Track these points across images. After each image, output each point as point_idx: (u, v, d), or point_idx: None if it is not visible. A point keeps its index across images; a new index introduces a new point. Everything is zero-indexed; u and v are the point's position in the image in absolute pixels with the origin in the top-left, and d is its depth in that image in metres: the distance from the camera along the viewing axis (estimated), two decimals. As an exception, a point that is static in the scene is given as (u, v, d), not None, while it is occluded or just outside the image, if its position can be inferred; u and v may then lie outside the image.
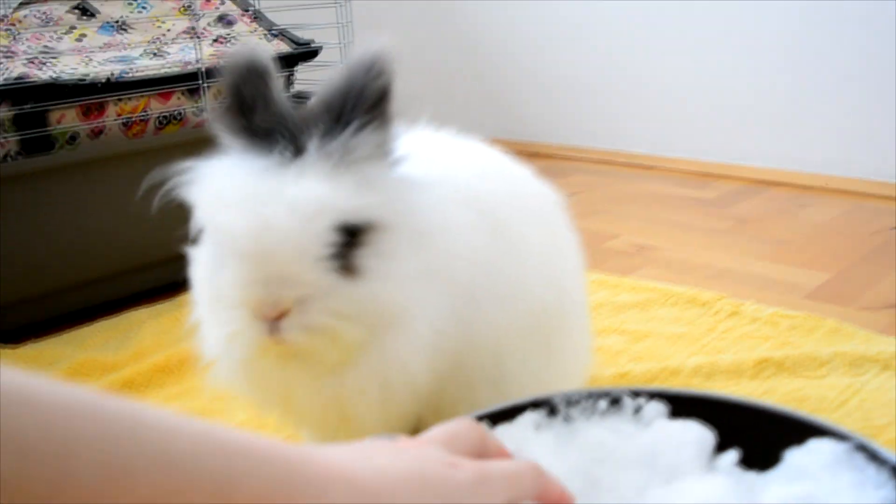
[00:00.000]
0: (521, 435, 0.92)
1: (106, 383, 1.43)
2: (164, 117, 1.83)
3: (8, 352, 1.56)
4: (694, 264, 1.93)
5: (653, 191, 2.62)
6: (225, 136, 0.90)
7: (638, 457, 0.87)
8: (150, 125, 1.81)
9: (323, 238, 0.84)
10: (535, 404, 0.96)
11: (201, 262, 0.94)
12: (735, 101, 2.73)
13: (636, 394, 0.96)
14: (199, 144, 1.82)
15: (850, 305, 1.67)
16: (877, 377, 1.32)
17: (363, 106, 0.87)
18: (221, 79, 0.91)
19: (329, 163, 0.85)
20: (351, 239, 0.87)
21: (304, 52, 2.05)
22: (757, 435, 0.88)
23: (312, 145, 0.86)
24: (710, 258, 1.97)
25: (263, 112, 0.87)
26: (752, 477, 0.84)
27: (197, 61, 1.84)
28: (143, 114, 1.79)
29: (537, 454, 0.87)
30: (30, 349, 1.58)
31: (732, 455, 0.86)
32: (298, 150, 0.86)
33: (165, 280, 1.88)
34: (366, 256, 0.88)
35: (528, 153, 3.31)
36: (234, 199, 0.85)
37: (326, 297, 0.86)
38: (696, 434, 0.89)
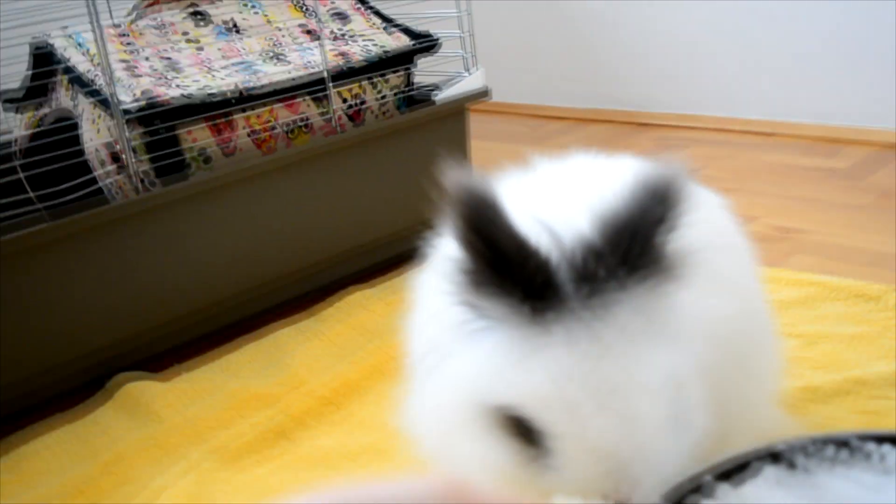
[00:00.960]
0: (765, 493, 0.86)
1: (269, 417, 1.41)
2: (292, 127, 1.78)
3: (158, 385, 1.55)
4: (848, 249, 1.83)
5: (777, 161, 2.50)
6: (480, 303, 0.75)
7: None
8: (280, 136, 1.77)
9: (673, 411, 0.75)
10: (763, 456, 0.90)
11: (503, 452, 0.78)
12: (860, 60, 2.57)
13: (880, 439, 0.89)
14: (333, 154, 1.81)
15: None
16: None
17: (655, 243, 0.74)
18: (449, 229, 0.74)
19: (643, 320, 0.74)
20: None
21: (424, 46, 1.98)
22: None
23: (616, 300, 0.73)
24: (863, 241, 1.86)
25: (521, 261, 0.72)
26: None
27: (322, 64, 1.78)
28: (271, 125, 1.75)
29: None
30: (180, 382, 1.57)
31: None
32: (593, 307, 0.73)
33: (300, 291, 1.86)
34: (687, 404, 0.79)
35: (636, 124, 3.22)
36: (583, 398, 0.71)
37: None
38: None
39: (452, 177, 0.73)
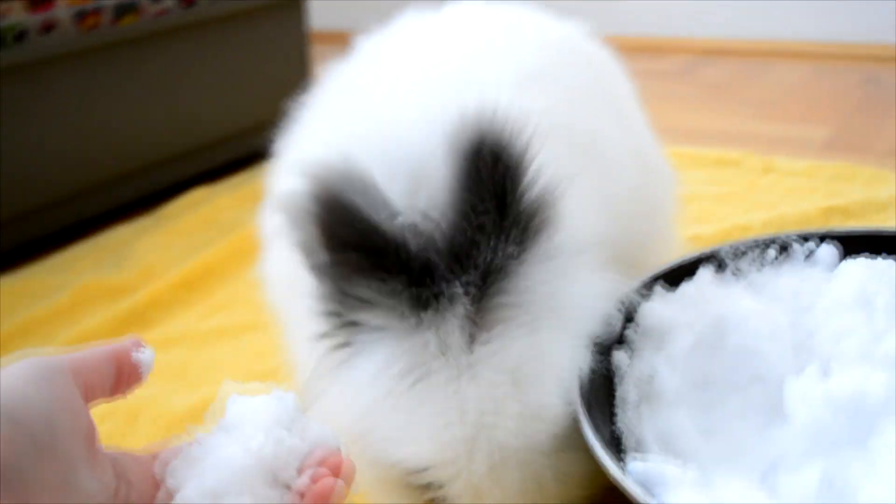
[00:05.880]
0: (704, 292, 0.82)
1: (122, 309, 1.26)
2: (121, 7, 1.60)
3: (4, 281, 1.37)
4: (687, 129, 1.86)
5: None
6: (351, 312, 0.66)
7: (851, 300, 0.78)
8: (106, 17, 1.58)
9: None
10: (703, 259, 0.87)
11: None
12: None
13: (805, 238, 0.88)
14: (160, 38, 1.64)
15: (868, 153, 1.64)
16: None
17: (520, 220, 0.65)
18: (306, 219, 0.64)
19: (520, 323, 0.64)
20: None
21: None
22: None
23: (485, 308, 0.64)
24: (699, 122, 1.91)
25: (382, 257, 0.62)
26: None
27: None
28: (97, 4, 1.56)
29: (736, 306, 0.77)
30: (11, 285, 1.38)
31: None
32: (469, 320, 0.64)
33: (136, 192, 1.69)
34: None
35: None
36: (473, 461, 0.63)
37: None
38: (897, 271, 0.81)
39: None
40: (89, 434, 0.55)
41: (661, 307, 0.79)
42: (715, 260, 0.87)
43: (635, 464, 0.61)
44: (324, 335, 0.67)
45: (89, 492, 0.53)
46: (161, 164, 1.72)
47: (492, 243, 0.63)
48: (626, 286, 0.79)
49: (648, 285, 0.82)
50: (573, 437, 0.66)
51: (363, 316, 0.65)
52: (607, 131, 0.88)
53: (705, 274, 0.84)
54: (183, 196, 1.67)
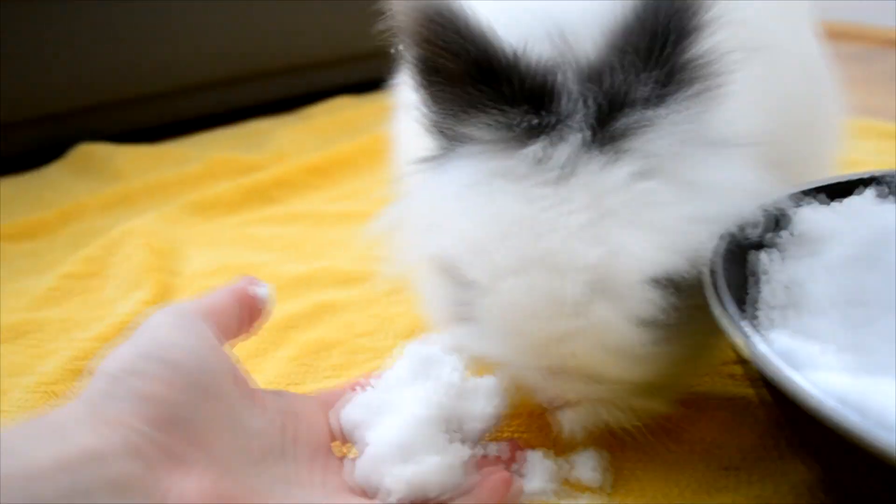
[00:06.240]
0: (868, 206, 0.74)
1: (251, 179, 1.27)
2: None
3: (125, 150, 1.39)
4: (862, 105, 1.74)
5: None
6: (439, 116, 0.63)
7: None
8: None
9: (638, 316, 0.59)
10: (866, 180, 0.79)
11: (443, 295, 0.66)
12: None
13: None
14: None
15: None
16: None
17: (669, 70, 0.58)
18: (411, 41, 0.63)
19: (632, 167, 0.58)
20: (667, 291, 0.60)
21: None
22: None
23: (600, 138, 0.58)
24: (874, 102, 1.80)
25: (495, 77, 0.58)
26: None
27: None
28: None
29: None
30: (152, 150, 1.41)
31: None
32: (580, 143, 0.58)
33: (286, 92, 1.71)
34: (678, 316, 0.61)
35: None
36: (508, 257, 0.58)
37: (626, 394, 0.62)
38: None
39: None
40: (238, 374, 0.56)
41: (820, 213, 0.72)
42: (879, 183, 0.78)
43: (779, 337, 0.54)
44: (428, 151, 0.65)
45: (253, 429, 0.55)
46: (309, 69, 1.72)
47: (630, 74, 0.57)
48: (776, 191, 0.71)
49: (805, 194, 0.75)
50: (625, 296, 0.58)
51: (470, 129, 0.61)
52: (776, 33, 0.80)
53: (870, 192, 0.76)
54: (327, 101, 1.67)
